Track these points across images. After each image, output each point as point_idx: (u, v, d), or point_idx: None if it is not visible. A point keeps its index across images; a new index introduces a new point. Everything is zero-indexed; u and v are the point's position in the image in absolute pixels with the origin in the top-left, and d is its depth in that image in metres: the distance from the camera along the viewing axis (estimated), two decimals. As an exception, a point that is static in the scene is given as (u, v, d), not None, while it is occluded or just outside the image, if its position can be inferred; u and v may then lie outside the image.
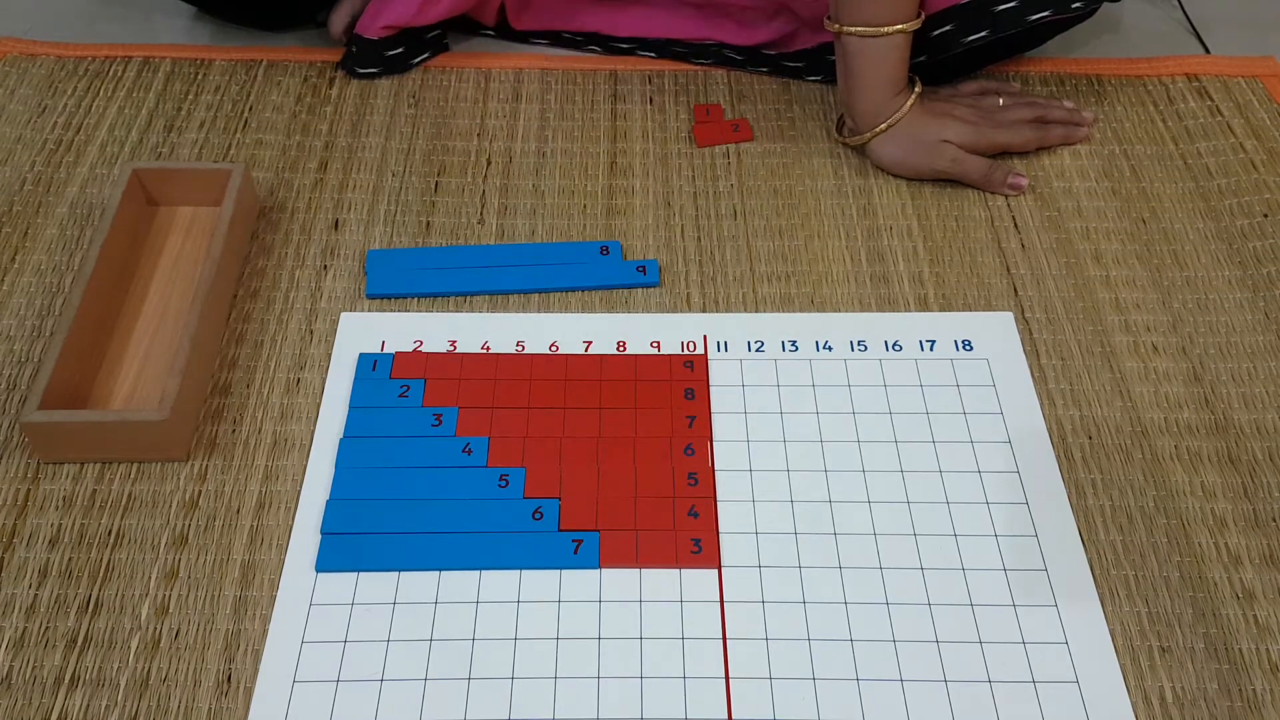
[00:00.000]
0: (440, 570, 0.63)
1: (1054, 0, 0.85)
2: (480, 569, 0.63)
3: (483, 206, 0.84)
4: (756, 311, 0.77)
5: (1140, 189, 0.86)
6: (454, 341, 0.75)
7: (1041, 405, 0.72)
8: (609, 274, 0.79)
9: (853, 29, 0.81)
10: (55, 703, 0.58)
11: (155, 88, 0.93)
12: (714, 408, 0.71)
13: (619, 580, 0.63)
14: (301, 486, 0.67)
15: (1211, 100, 0.93)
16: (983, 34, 0.85)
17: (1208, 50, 1.00)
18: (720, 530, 0.65)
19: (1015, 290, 0.79)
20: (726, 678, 0.59)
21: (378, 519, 0.65)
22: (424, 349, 0.74)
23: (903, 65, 0.83)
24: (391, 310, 0.77)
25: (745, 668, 0.59)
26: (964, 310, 0.77)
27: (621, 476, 0.67)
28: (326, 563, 0.63)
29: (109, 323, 0.74)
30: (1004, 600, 0.62)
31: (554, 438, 0.69)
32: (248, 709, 0.58)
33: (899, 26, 0.81)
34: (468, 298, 0.78)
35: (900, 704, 0.58)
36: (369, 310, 0.77)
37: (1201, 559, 0.64)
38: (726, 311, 0.77)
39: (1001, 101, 0.88)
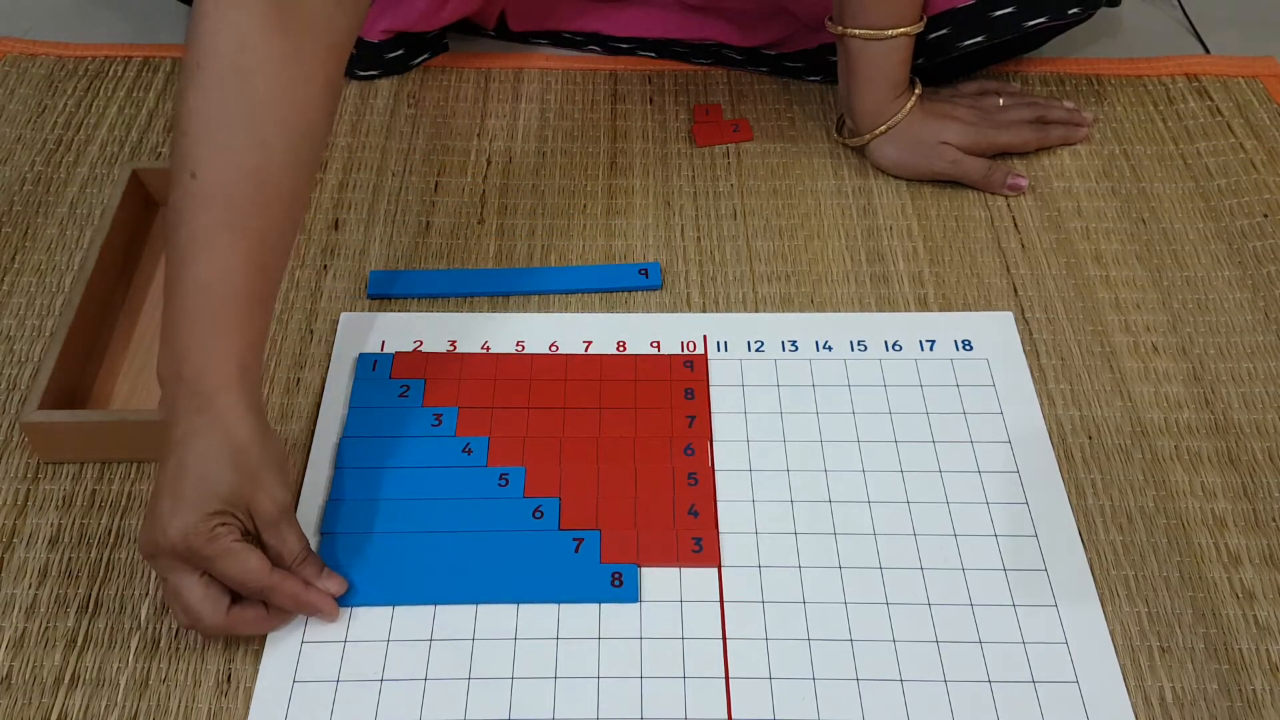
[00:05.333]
0: (439, 570, 0.63)
1: (1051, 6, 0.85)
2: (480, 569, 0.63)
3: (483, 206, 0.84)
4: (756, 311, 0.77)
5: (1140, 189, 0.86)
6: (454, 341, 0.75)
7: (1041, 405, 0.72)
8: (610, 276, 0.79)
9: (855, 31, 0.81)
10: (55, 703, 0.58)
11: (155, 88, 0.93)
12: (714, 408, 0.71)
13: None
14: (301, 486, 0.67)
15: (1211, 100, 0.93)
16: (979, 39, 0.85)
17: (1208, 50, 1.00)
18: (720, 530, 0.65)
19: (1015, 290, 0.79)
20: (726, 678, 0.59)
21: (377, 519, 0.65)
22: (424, 349, 0.74)
23: (904, 67, 0.83)
24: (391, 310, 0.77)
25: (745, 668, 0.59)
26: (964, 310, 0.77)
27: (621, 476, 0.67)
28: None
29: (109, 323, 0.74)
30: (1004, 600, 0.62)
31: (554, 437, 0.69)
32: (248, 709, 0.58)
33: (902, 29, 0.81)
34: (468, 298, 0.78)
35: (900, 704, 0.58)
36: (369, 310, 0.77)
37: (1201, 559, 0.64)
38: (726, 311, 0.77)
39: (1001, 102, 0.88)
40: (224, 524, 0.55)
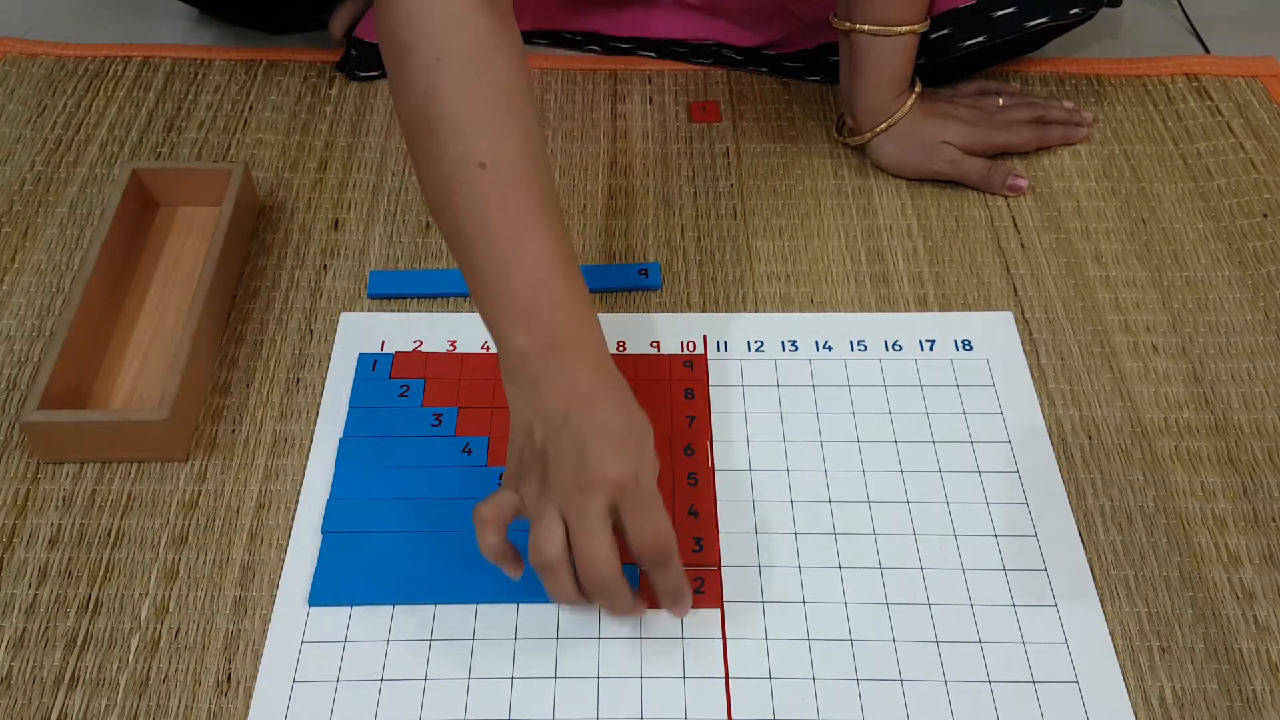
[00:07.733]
0: (439, 570, 0.63)
1: (1052, 6, 0.85)
2: (480, 569, 0.63)
3: (483, 206, 0.84)
4: (756, 311, 0.77)
5: (1140, 189, 0.86)
6: (454, 341, 0.75)
7: (1041, 405, 0.72)
8: (610, 276, 0.79)
9: (863, 27, 0.82)
10: (55, 703, 0.58)
11: (155, 88, 0.93)
12: (714, 408, 0.71)
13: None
14: (301, 486, 0.67)
15: (1211, 100, 0.93)
16: (980, 39, 0.85)
17: (1208, 50, 1.00)
18: (720, 530, 0.65)
19: (1015, 290, 0.79)
20: (726, 678, 0.59)
21: (378, 518, 0.65)
22: (424, 349, 0.74)
23: (908, 66, 0.83)
24: (391, 310, 0.77)
25: (745, 668, 0.59)
26: (964, 310, 0.77)
27: (621, 476, 0.67)
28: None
29: (109, 323, 0.74)
30: (1004, 600, 0.62)
31: (554, 438, 0.69)
32: (248, 709, 0.58)
33: (909, 27, 0.81)
34: (468, 298, 0.78)
35: (900, 704, 0.58)
36: (369, 310, 0.77)
37: (1201, 559, 0.64)
38: (726, 311, 0.77)
39: (1001, 102, 0.89)
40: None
